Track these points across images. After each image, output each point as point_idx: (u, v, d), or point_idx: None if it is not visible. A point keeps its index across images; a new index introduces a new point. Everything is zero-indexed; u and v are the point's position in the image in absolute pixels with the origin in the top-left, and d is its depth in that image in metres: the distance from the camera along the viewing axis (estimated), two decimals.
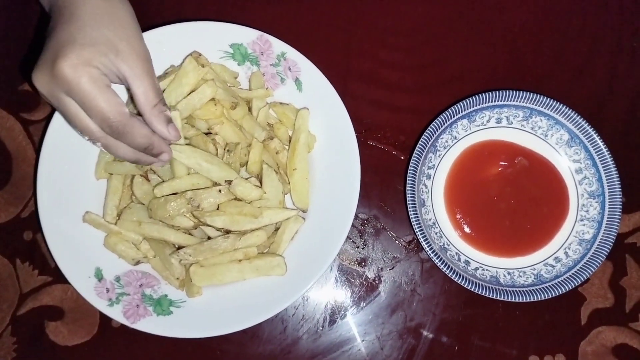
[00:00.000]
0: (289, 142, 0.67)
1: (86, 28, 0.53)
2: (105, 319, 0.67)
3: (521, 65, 0.74)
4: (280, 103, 0.68)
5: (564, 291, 0.63)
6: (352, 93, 0.71)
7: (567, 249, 0.67)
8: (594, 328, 0.68)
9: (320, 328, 0.68)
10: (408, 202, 0.64)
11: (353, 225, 0.70)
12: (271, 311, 0.61)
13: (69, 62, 0.51)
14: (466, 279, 0.63)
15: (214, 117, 0.64)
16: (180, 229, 0.63)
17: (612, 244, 0.64)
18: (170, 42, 0.66)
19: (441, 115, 0.66)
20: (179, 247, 0.63)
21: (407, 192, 0.64)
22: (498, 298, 0.62)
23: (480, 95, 0.66)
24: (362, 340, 0.68)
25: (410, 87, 0.73)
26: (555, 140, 0.69)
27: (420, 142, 0.66)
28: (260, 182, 0.64)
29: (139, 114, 0.57)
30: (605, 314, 0.68)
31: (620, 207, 0.65)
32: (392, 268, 0.69)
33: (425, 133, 0.66)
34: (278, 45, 0.66)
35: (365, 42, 0.74)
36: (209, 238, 0.63)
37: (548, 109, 0.67)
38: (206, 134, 0.64)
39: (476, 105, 0.67)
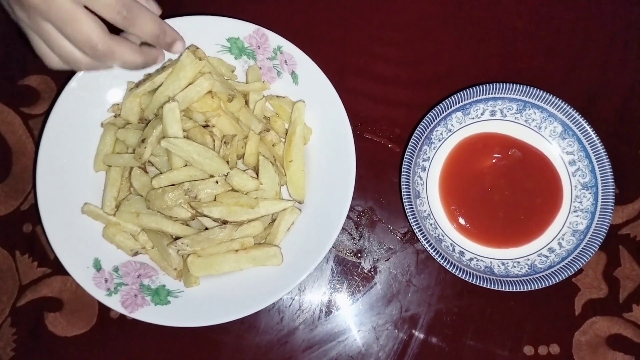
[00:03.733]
0: (285, 134, 0.68)
1: None
2: (103, 310, 0.68)
3: (515, 60, 0.75)
4: (277, 96, 0.68)
5: (558, 281, 0.63)
6: (347, 87, 0.72)
7: (561, 240, 0.67)
8: (588, 318, 0.68)
9: (317, 318, 0.68)
10: (403, 194, 0.65)
11: (349, 217, 0.70)
12: (268, 300, 0.62)
13: None
14: (461, 269, 0.63)
15: (211, 110, 0.65)
16: (177, 220, 0.63)
17: (605, 235, 0.65)
18: None
19: (436, 108, 0.67)
20: (177, 238, 0.63)
21: (402, 184, 0.65)
22: (492, 288, 0.63)
23: (474, 87, 0.67)
24: (358, 331, 0.68)
25: (406, 82, 0.74)
26: (549, 132, 0.69)
27: (415, 134, 0.66)
28: (257, 173, 0.65)
29: None
30: (599, 305, 0.69)
31: (613, 198, 0.65)
32: (388, 259, 0.70)
33: (420, 125, 0.67)
34: (274, 39, 0.67)
35: (361, 37, 0.75)
36: (206, 229, 0.63)
37: (541, 102, 0.68)
38: (204, 126, 0.65)
39: (470, 98, 0.68)
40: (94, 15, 0.50)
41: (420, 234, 0.63)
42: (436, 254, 0.63)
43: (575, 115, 0.67)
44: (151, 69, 0.68)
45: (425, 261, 0.70)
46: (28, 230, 0.70)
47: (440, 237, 0.67)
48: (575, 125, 0.67)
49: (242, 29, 0.67)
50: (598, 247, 0.64)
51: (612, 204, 0.65)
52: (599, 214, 0.66)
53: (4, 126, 0.73)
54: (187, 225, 0.64)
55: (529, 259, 0.67)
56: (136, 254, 0.65)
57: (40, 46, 0.52)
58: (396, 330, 0.68)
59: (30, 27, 0.51)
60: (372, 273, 0.70)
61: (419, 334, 0.68)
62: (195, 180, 0.62)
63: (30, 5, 0.48)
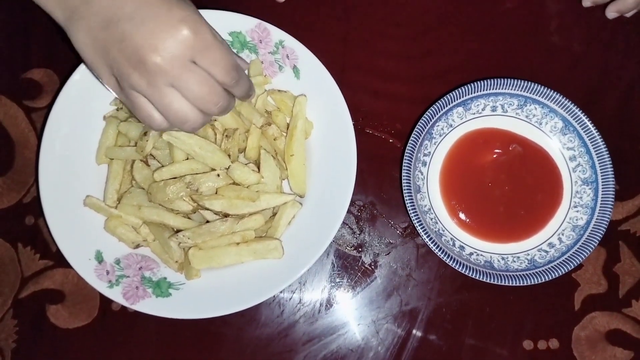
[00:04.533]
0: (287, 128, 0.68)
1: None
2: (105, 303, 0.69)
3: (516, 55, 0.75)
4: (279, 90, 0.69)
5: (557, 275, 0.63)
6: (349, 82, 0.72)
7: (561, 235, 0.67)
8: (587, 313, 0.69)
9: (317, 312, 0.69)
10: (404, 189, 0.65)
11: (350, 212, 0.71)
12: (268, 293, 0.62)
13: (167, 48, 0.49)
14: (461, 263, 0.64)
15: None
16: (179, 213, 0.64)
17: (604, 230, 0.65)
18: None
19: (437, 103, 0.67)
20: (178, 231, 0.64)
21: (402, 178, 0.65)
22: (492, 282, 0.63)
23: (475, 83, 0.67)
24: (358, 324, 0.68)
25: (407, 77, 0.74)
26: (550, 128, 0.70)
27: (416, 129, 0.67)
28: (258, 167, 0.65)
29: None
30: (598, 300, 0.69)
31: (613, 193, 0.66)
32: (388, 253, 0.70)
33: (421, 120, 0.67)
34: (276, 34, 0.67)
35: (363, 32, 0.75)
36: (208, 222, 0.64)
37: (543, 97, 0.68)
38: None
39: (471, 93, 0.68)
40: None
41: (421, 229, 0.64)
42: (436, 248, 0.63)
43: (576, 111, 0.67)
44: None
45: (426, 255, 0.70)
46: (30, 222, 0.71)
47: (441, 231, 0.68)
48: (576, 121, 0.68)
49: (244, 23, 0.67)
50: (598, 242, 0.65)
51: (612, 200, 0.66)
52: (599, 210, 0.66)
53: (7, 119, 0.73)
54: (189, 218, 0.65)
55: (528, 254, 0.67)
56: (138, 246, 0.66)
57: (149, 110, 0.53)
58: (396, 324, 0.68)
59: (146, 92, 0.51)
60: (373, 267, 0.70)
61: (419, 328, 0.68)
62: (196, 174, 0.63)
63: (156, 71, 0.49)
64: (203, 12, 0.66)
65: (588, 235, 0.66)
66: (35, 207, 0.71)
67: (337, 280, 0.70)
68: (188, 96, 0.52)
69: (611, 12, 0.73)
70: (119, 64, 0.50)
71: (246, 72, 0.60)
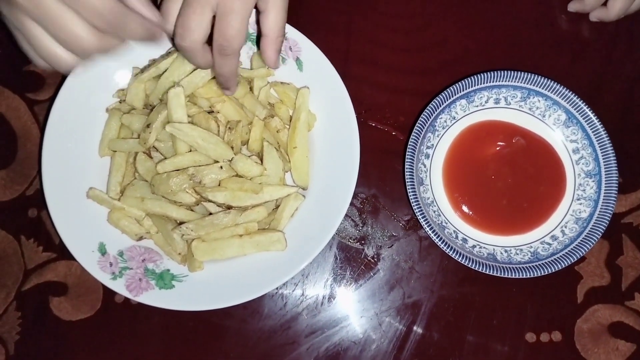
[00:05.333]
0: (290, 121, 0.68)
1: None
2: (108, 295, 0.69)
3: (520, 47, 0.75)
4: (281, 82, 0.69)
5: (560, 268, 0.63)
6: (352, 74, 0.72)
7: (564, 228, 0.67)
8: (590, 306, 0.69)
9: (320, 304, 0.69)
10: (407, 181, 0.65)
11: (352, 204, 0.71)
12: (271, 285, 0.62)
13: None
14: (464, 256, 0.64)
15: (216, 96, 0.65)
16: (182, 205, 0.64)
17: (607, 222, 0.65)
18: None
19: (440, 96, 0.67)
20: (181, 223, 0.64)
21: (405, 171, 0.65)
22: (495, 274, 0.63)
23: (478, 75, 0.67)
24: (361, 317, 0.69)
25: (410, 69, 0.74)
26: (553, 120, 0.69)
27: (418, 121, 0.66)
28: (261, 159, 0.65)
29: None
30: (601, 293, 0.69)
31: (617, 186, 0.66)
32: (391, 246, 0.70)
33: (423, 113, 0.67)
34: None
35: (366, 25, 0.75)
36: (211, 214, 0.64)
37: (546, 90, 0.68)
38: (208, 112, 0.65)
39: (474, 86, 0.68)
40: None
41: (424, 221, 0.64)
42: (439, 240, 0.63)
43: (580, 103, 0.67)
44: (156, 54, 0.68)
45: (428, 248, 0.70)
46: (33, 215, 0.71)
47: (444, 224, 0.68)
48: (579, 114, 0.67)
49: None
50: (601, 235, 0.65)
51: (616, 193, 0.66)
52: (602, 202, 0.66)
53: (10, 112, 0.73)
54: (192, 210, 0.65)
55: (531, 246, 0.67)
56: (141, 238, 0.66)
57: (24, 45, 0.51)
58: (399, 317, 0.68)
59: (15, 24, 0.49)
60: (375, 260, 0.70)
61: (421, 320, 0.68)
62: (199, 166, 0.62)
63: (16, 3, 0.47)
64: None
65: (591, 228, 0.65)
66: (38, 199, 0.71)
67: (340, 272, 0.70)
68: (217, 29, 0.53)
69: (572, 6, 0.74)
70: None
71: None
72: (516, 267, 0.64)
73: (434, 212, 0.68)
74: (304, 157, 0.66)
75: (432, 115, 0.67)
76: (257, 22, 0.57)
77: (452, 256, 0.63)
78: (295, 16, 0.68)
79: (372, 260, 0.70)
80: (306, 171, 0.66)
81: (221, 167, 0.62)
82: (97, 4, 0.47)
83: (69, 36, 0.48)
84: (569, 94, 0.67)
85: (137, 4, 0.52)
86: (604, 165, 0.66)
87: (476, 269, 0.63)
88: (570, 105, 0.68)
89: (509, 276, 0.63)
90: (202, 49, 0.56)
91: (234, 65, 0.58)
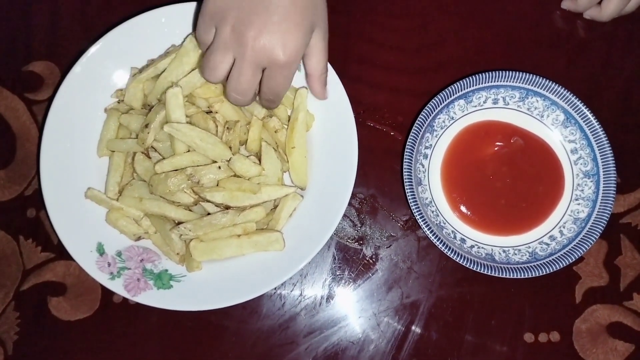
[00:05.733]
0: (288, 121, 0.68)
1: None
2: (107, 295, 0.69)
3: (518, 48, 0.75)
4: None
5: (559, 268, 0.63)
6: (351, 75, 0.72)
7: (562, 228, 0.67)
8: (588, 306, 0.69)
9: (318, 304, 0.69)
10: (405, 181, 0.65)
11: (351, 204, 0.71)
12: (269, 285, 0.62)
13: (288, 51, 0.55)
14: (462, 256, 0.64)
15: (214, 96, 0.65)
16: (180, 205, 0.64)
17: (606, 222, 0.65)
18: (172, 21, 0.67)
19: (438, 96, 0.67)
20: (179, 223, 0.64)
21: (404, 171, 0.65)
22: (493, 274, 0.63)
23: (477, 75, 0.67)
24: (359, 317, 0.69)
25: (409, 69, 0.74)
26: (551, 120, 0.69)
27: (417, 122, 0.66)
28: (259, 159, 0.65)
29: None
30: (600, 293, 0.69)
31: (615, 186, 0.66)
32: (389, 246, 0.70)
33: (422, 113, 0.67)
34: None
35: (364, 25, 0.75)
36: (209, 214, 0.64)
37: (544, 90, 0.68)
38: (207, 112, 0.65)
39: (473, 86, 0.68)
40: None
41: (422, 221, 0.64)
42: (437, 241, 0.63)
43: (578, 103, 0.67)
44: (155, 55, 0.68)
45: (427, 248, 0.70)
46: (32, 215, 0.71)
47: (442, 224, 0.68)
48: (577, 114, 0.67)
49: None
50: (599, 235, 0.65)
51: (614, 193, 0.66)
52: (601, 203, 0.66)
53: (8, 112, 0.73)
54: (190, 210, 0.65)
55: (530, 247, 0.67)
56: (139, 238, 0.66)
57: (222, 64, 0.58)
58: (397, 317, 0.68)
59: (239, 57, 0.56)
60: (374, 260, 0.70)
61: (420, 321, 0.68)
62: (197, 166, 0.63)
63: (243, 42, 0.55)
64: None
65: (589, 228, 0.65)
66: (36, 199, 0.71)
67: (338, 273, 0.70)
68: (266, 85, 0.59)
69: (565, 4, 0.75)
70: (242, 26, 0.55)
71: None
72: (514, 268, 0.64)
73: (432, 212, 0.68)
74: (302, 158, 0.66)
75: (430, 115, 0.67)
76: (303, 62, 0.63)
77: (451, 256, 0.63)
78: None
79: (371, 261, 0.70)
80: (304, 171, 0.66)
81: (219, 167, 0.62)
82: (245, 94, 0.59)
83: (241, 86, 0.58)
84: (567, 94, 0.67)
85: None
86: (602, 165, 0.66)
87: (474, 269, 0.63)
88: (568, 105, 0.68)
89: (507, 276, 0.63)
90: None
91: (276, 104, 0.64)
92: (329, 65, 0.66)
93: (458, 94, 0.68)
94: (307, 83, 0.64)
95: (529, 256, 0.66)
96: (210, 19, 0.57)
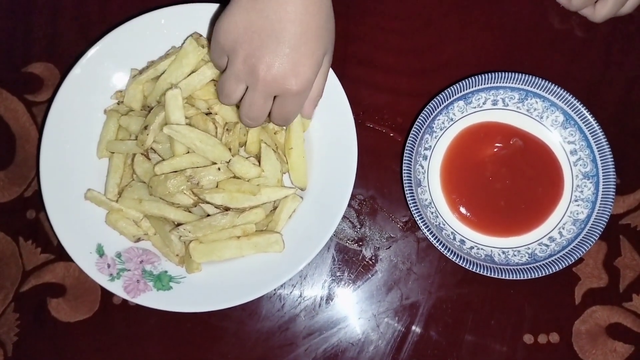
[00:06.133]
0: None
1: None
2: (106, 296, 0.69)
3: (517, 49, 0.75)
4: None
5: (558, 269, 0.63)
6: (350, 76, 0.72)
7: (562, 229, 0.67)
8: (588, 307, 0.69)
9: (318, 306, 0.69)
10: (404, 182, 0.65)
11: (350, 206, 0.71)
12: (269, 287, 0.62)
13: (301, 81, 0.56)
14: (461, 257, 0.64)
15: (214, 98, 0.65)
16: (180, 207, 0.64)
17: (605, 224, 0.65)
18: (171, 23, 0.67)
19: (437, 97, 0.67)
20: (179, 224, 0.64)
21: (403, 172, 0.65)
22: (493, 276, 0.63)
23: (476, 77, 0.67)
24: (359, 318, 0.69)
25: (408, 71, 0.74)
26: (551, 122, 0.70)
27: (416, 123, 0.67)
28: (259, 161, 0.65)
29: None
30: (599, 294, 0.69)
31: (614, 187, 0.66)
32: (389, 247, 0.70)
33: (421, 114, 0.67)
34: None
35: (364, 26, 0.75)
36: (208, 215, 0.64)
37: (543, 91, 0.68)
38: (206, 114, 0.65)
39: (472, 87, 0.68)
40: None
41: (422, 223, 0.64)
42: (437, 242, 0.63)
43: (577, 104, 0.67)
44: (155, 56, 0.68)
45: (426, 249, 0.70)
46: (31, 216, 0.71)
47: (441, 225, 0.68)
48: (577, 115, 0.67)
49: None
50: (598, 236, 0.65)
51: (613, 194, 0.66)
52: (600, 204, 0.66)
53: (8, 113, 0.73)
54: (189, 211, 0.65)
55: (529, 248, 0.67)
56: (138, 240, 0.66)
57: (235, 91, 0.59)
58: (396, 318, 0.68)
59: (236, 75, 0.57)
60: (373, 261, 0.70)
61: (419, 322, 0.68)
62: (197, 167, 0.63)
63: (254, 75, 0.55)
64: (204, 5, 0.67)
65: (589, 229, 0.66)
66: (36, 201, 0.71)
67: (338, 274, 0.70)
68: (277, 112, 0.59)
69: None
70: (253, 59, 0.55)
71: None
72: (514, 269, 0.64)
73: (432, 213, 0.68)
74: (300, 158, 0.66)
75: (429, 116, 0.67)
76: None
77: (450, 258, 0.63)
78: None
79: (370, 262, 0.70)
80: (304, 172, 0.66)
81: (219, 169, 0.62)
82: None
83: (252, 114, 0.60)
84: (567, 96, 0.67)
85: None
86: (602, 166, 0.66)
87: (474, 270, 0.63)
88: (568, 106, 0.68)
89: (507, 277, 0.63)
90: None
91: (287, 125, 0.65)
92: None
93: (457, 95, 0.68)
94: None
95: (529, 257, 0.66)
96: (222, 49, 0.57)
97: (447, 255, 0.63)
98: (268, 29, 0.54)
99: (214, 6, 0.67)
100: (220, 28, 0.56)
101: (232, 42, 0.55)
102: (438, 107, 0.68)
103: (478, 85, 0.68)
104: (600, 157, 0.67)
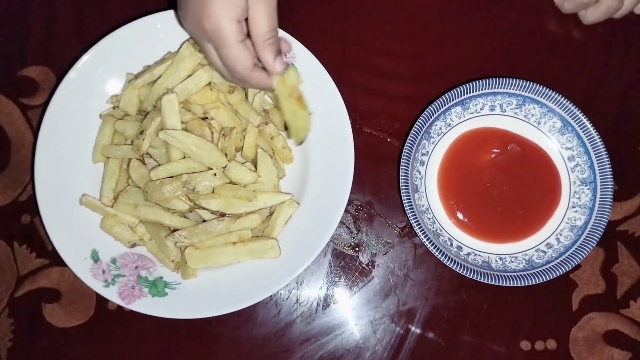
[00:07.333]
0: (284, 128, 0.68)
1: None
2: (101, 302, 0.68)
3: (515, 55, 0.74)
4: None
5: (555, 276, 0.63)
6: (347, 81, 0.72)
7: (559, 235, 0.67)
8: (585, 314, 0.69)
9: (314, 312, 0.69)
10: (401, 188, 0.65)
11: (347, 211, 0.70)
12: (265, 293, 0.62)
13: (214, 17, 0.54)
14: (458, 264, 0.63)
15: (210, 102, 0.65)
16: (175, 212, 0.63)
17: (603, 230, 0.65)
18: (168, 28, 0.67)
19: (435, 102, 0.67)
20: (174, 230, 0.63)
21: (400, 178, 0.65)
22: (490, 282, 0.63)
23: (474, 82, 0.67)
24: (355, 324, 0.68)
25: (406, 76, 0.74)
26: (548, 127, 0.69)
27: (413, 128, 0.66)
28: (255, 166, 0.65)
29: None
30: (596, 301, 0.69)
31: (612, 193, 0.65)
32: (386, 253, 0.70)
33: (419, 120, 0.66)
34: None
35: (361, 31, 0.75)
36: (204, 221, 0.63)
37: (541, 97, 0.68)
38: (202, 118, 0.65)
39: (470, 93, 0.68)
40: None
41: (419, 228, 0.63)
42: (434, 248, 0.63)
43: (575, 110, 0.67)
44: (151, 61, 0.68)
45: (423, 255, 0.70)
46: (26, 221, 0.70)
47: (438, 231, 0.67)
48: (574, 121, 0.67)
49: None
50: (596, 243, 0.64)
51: (611, 200, 0.65)
52: (598, 210, 0.66)
53: (3, 117, 0.73)
54: (185, 217, 0.64)
55: (526, 254, 0.67)
56: (134, 245, 0.65)
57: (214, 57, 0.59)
58: (393, 324, 0.68)
59: (198, 42, 0.59)
60: (370, 267, 0.70)
61: (416, 328, 0.68)
62: (193, 173, 0.62)
63: (202, 31, 0.56)
64: None
65: (586, 236, 0.65)
66: (31, 205, 0.70)
67: (335, 280, 0.69)
68: (218, 55, 0.58)
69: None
70: (195, 28, 0.57)
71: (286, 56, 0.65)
72: (511, 275, 0.63)
73: (429, 219, 0.67)
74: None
75: (427, 122, 0.67)
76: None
77: (447, 264, 0.63)
78: (290, 22, 0.68)
79: (367, 268, 0.70)
80: (304, 122, 0.62)
81: (215, 174, 0.62)
82: (233, 63, 0.57)
83: (227, 61, 0.58)
84: (565, 102, 0.67)
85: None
86: (599, 172, 0.66)
87: (471, 276, 0.63)
88: (565, 112, 0.67)
89: (504, 284, 0.63)
90: (252, 72, 0.58)
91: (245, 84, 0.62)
92: (325, 72, 0.66)
93: (455, 101, 0.68)
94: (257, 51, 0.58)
95: (526, 264, 0.66)
96: (185, 22, 0.59)
97: (444, 262, 0.63)
98: None
99: None
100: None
101: (185, 15, 0.58)
102: (435, 113, 0.67)
103: (476, 91, 0.68)
104: (597, 163, 0.66)
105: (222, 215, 0.63)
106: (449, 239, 0.68)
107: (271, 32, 0.56)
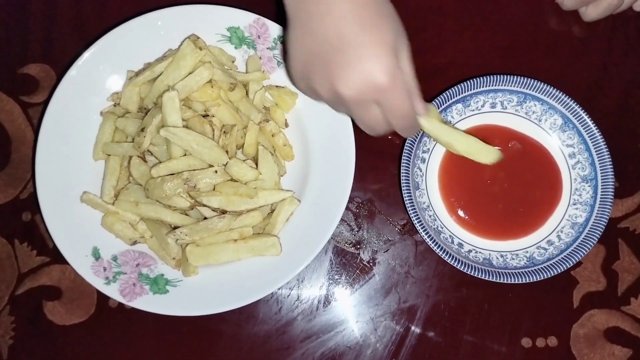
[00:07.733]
0: (285, 125, 0.68)
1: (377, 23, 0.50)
2: (102, 299, 0.68)
3: (516, 52, 0.74)
4: (276, 86, 0.68)
5: (556, 273, 0.63)
6: None
7: (560, 232, 0.67)
8: (586, 311, 0.69)
9: (315, 309, 0.69)
10: (402, 185, 0.65)
11: (348, 209, 0.70)
12: (266, 290, 0.62)
13: (384, 70, 0.48)
14: (459, 261, 0.63)
15: (211, 99, 0.65)
16: (176, 209, 0.63)
17: (604, 227, 0.65)
18: (168, 25, 0.67)
19: (436, 100, 0.67)
20: (175, 227, 0.63)
21: (401, 175, 0.65)
22: (491, 279, 0.63)
23: (474, 79, 0.67)
24: (356, 322, 0.68)
25: None
26: (549, 125, 0.69)
27: None
28: (256, 164, 0.65)
29: None
30: (597, 298, 0.69)
31: (613, 191, 0.65)
32: (387, 251, 0.70)
33: None
34: (274, 29, 0.66)
35: None
36: (205, 218, 0.63)
37: (542, 94, 0.68)
38: (203, 116, 0.65)
39: (471, 90, 0.68)
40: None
41: (420, 226, 0.63)
42: (435, 245, 0.63)
43: (576, 107, 0.67)
44: (152, 58, 0.68)
45: (424, 253, 0.70)
46: (27, 218, 0.70)
47: (439, 228, 0.67)
48: (575, 118, 0.67)
49: (243, 19, 0.67)
50: (597, 240, 0.64)
51: (612, 197, 0.65)
52: (599, 207, 0.66)
53: (4, 115, 0.73)
54: (186, 214, 0.64)
55: (527, 251, 0.67)
56: (135, 243, 0.65)
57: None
58: (394, 322, 0.68)
59: (333, 107, 0.55)
60: (371, 264, 0.70)
61: (417, 326, 0.68)
62: (194, 170, 0.62)
63: (343, 100, 0.51)
64: (201, 7, 0.66)
65: (587, 233, 0.65)
66: (32, 203, 0.70)
67: (335, 277, 0.69)
68: (390, 120, 0.54)
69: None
70: (325, 83, 0.51)
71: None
72: (512, 272, 0.63)
73: (430, 216, 0.67)
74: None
75: None
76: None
77: (448, 261, 0.63)
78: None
79: (368, 265, 0.70)
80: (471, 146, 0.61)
81: (216, 172, 0.62)
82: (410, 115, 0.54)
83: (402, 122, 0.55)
84: (565, 99, 0.67)
85: None
86: (600, 169, 0.66)
87: (472, 274, 0.63)
88: (566, 109, 0.67)
89: (505, 281, 0.63)
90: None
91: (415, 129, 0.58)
92: None
93: (456, 98, 0.68)
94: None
95: (527, 261, 0.66)
96: (304, 84, 0.55)
97: (445, 259, 0.63)
98: (325, 45, 0.49)
99: (211, 7, 0.67)
100: (288, 66, 0.55)
101: (305, 75, 0.53)
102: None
103: (477, 88, 0.68)
104: (598, 160, 0.66)
105: (223, 212, 0.63)
106: (450, 236, 0.68)
107: (416, 80, 0.53)
